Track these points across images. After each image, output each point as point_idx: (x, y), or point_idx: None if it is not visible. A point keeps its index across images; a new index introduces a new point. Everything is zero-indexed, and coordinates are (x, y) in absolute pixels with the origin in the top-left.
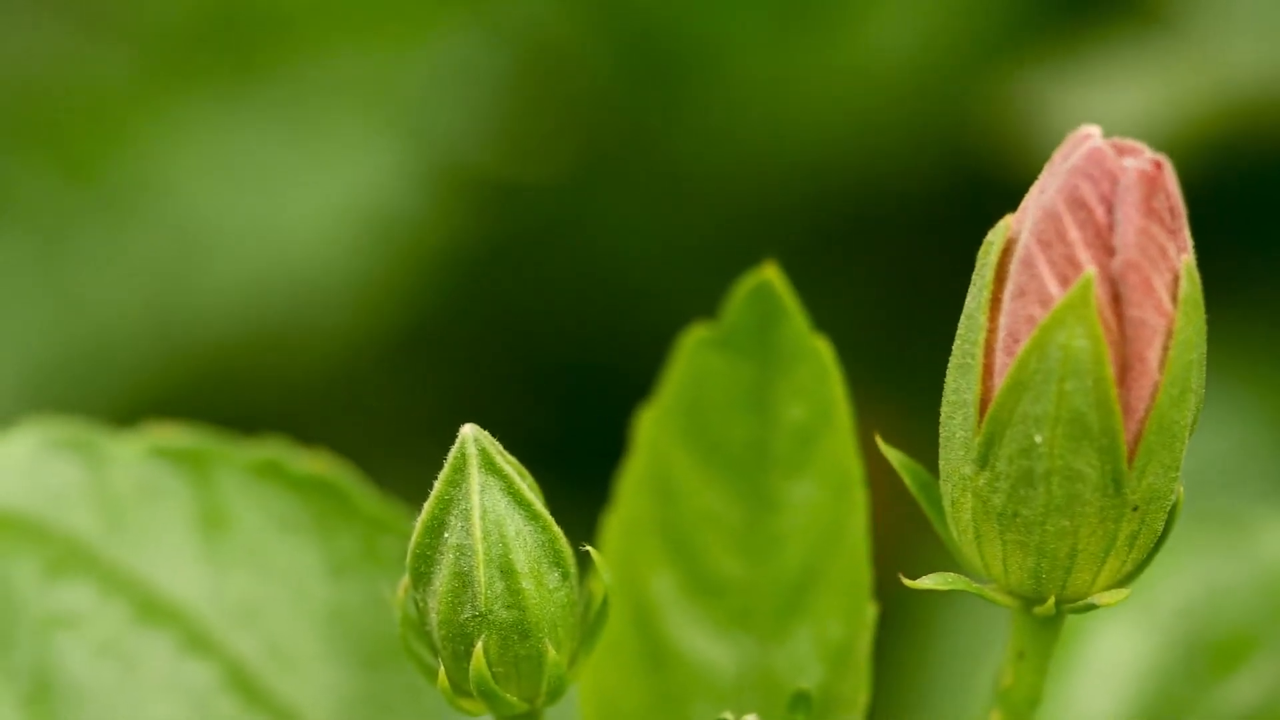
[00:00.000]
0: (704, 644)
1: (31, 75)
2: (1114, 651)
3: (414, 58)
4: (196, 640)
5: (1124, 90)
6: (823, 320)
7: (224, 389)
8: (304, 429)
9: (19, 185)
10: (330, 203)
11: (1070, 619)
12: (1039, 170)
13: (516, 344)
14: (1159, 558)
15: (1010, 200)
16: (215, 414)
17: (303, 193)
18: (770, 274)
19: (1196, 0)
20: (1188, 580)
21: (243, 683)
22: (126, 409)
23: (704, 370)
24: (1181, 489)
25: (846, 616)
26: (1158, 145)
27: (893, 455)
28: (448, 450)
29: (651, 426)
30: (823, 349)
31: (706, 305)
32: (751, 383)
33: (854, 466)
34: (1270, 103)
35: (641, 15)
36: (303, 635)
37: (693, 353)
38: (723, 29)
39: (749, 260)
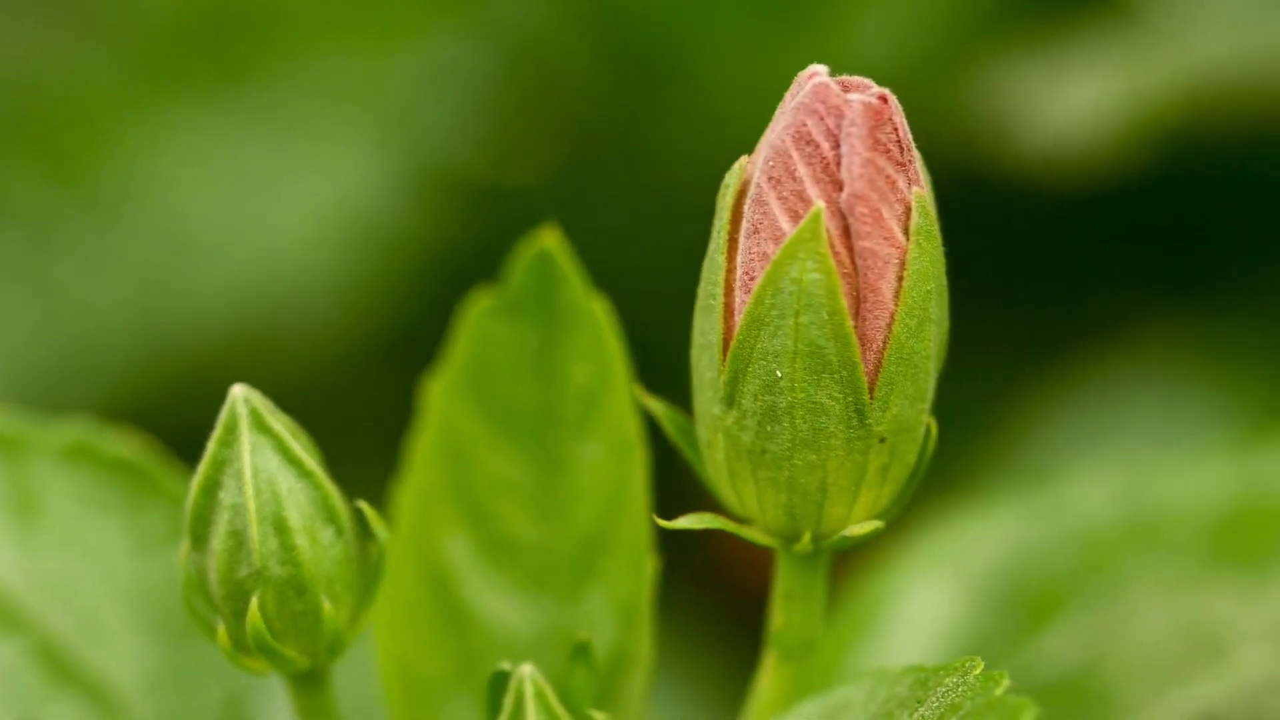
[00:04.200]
0: (501, 607)
1: (17, 77)
2: (924, 611)
3: (400, 60)
4: (6, 617)
5: (1094, 83)
6: None
7: (209, 391)
8: None
9: (4, 186)
10: (315, 205)
11: (880, 580)
12: (1014, 164)
13: None
14: (970, 517)
15: (989, 195)
16: (199, 416)
17: (288, 195)
18: (550, 240)
19: None
20: (999, 538)
21: (53, 658)
22: (111, 410)
23: (489, 336)
24: (933, 422)
25: (633, 574)
26: (1125, 137)
27: (653, 404)
28: None
29: (440, 394)
30: (600, 311)
31: (692, 306)
32: (536, 347)
33: (633, 426)
34: (1237, 95)
35: (628, 18)
36: (112, 610)
37: (477, 320)
38: (709, 32)
39: None
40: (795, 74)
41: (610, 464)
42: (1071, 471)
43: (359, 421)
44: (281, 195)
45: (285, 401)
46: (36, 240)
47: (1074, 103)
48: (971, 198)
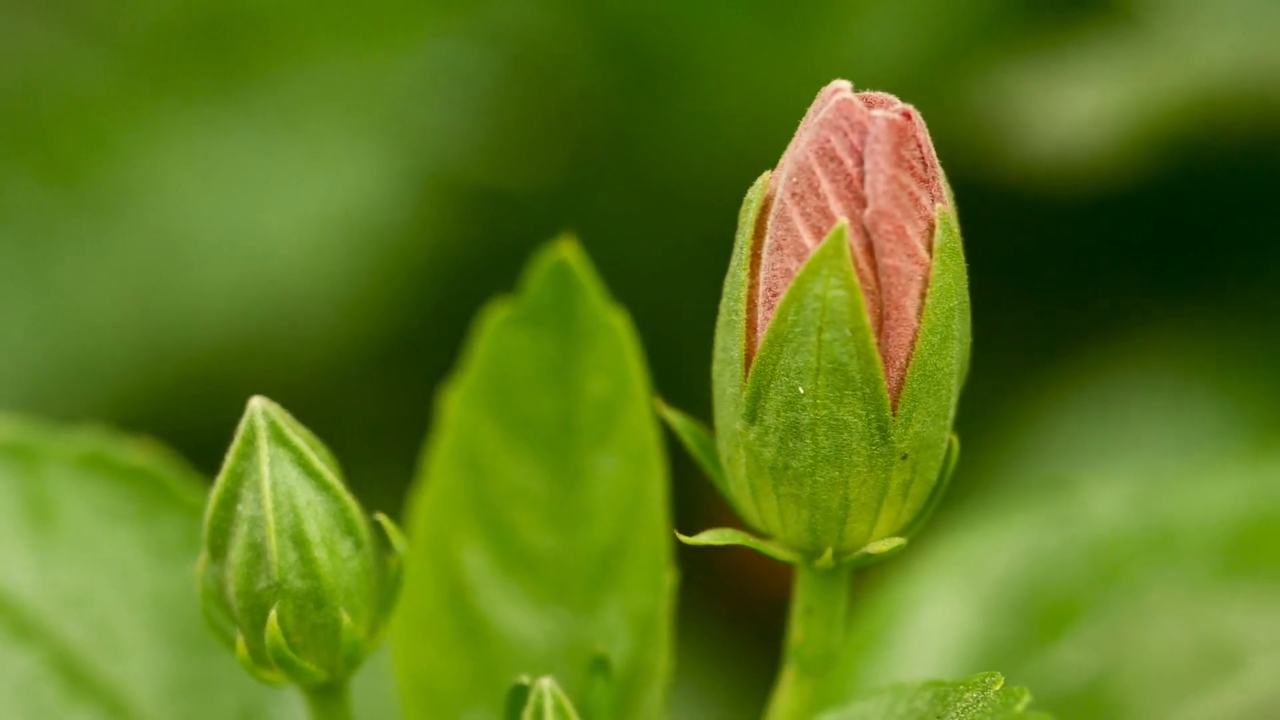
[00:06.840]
0: (518, 618)
1: (14, 79)
2: (938, 621)
3: (400, 63)
4: (22, 628)
5: (1098, 87)
6: None
7: (208, 394)
8: None
9: (1, 189)
10: (315, 208)
11: (895, 590)
12: (1017, 168)
13: None
14: (985, 526)
15: (992, 200)
16: (200, 420)
17: (287, 198)
18: (567, 251)
19: None
20: (1014, 547)
21: (68, 668)
22: (111, 414)
23: (507, 347)
24: (955, 438)
25: (650, 586)
26: (1129, 142)
27: (673, 418)
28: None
29: (458, 404)
30: (618, 323)
31: (694, 309)
32: (553, 358)
33: (651, 438)
34: (1243, 100)
35: (629, 20)
36: (127, 621)
37: (495, 330)
38: (711, 34)
39: None
40: (796, 76)
41: (628, 476)
42: (1085, 481)
43: (358, 425)
44: (281, 198)
45: (284, 403)
46: (34, 243)
47: (1079, 107)
48: (974, 203)
